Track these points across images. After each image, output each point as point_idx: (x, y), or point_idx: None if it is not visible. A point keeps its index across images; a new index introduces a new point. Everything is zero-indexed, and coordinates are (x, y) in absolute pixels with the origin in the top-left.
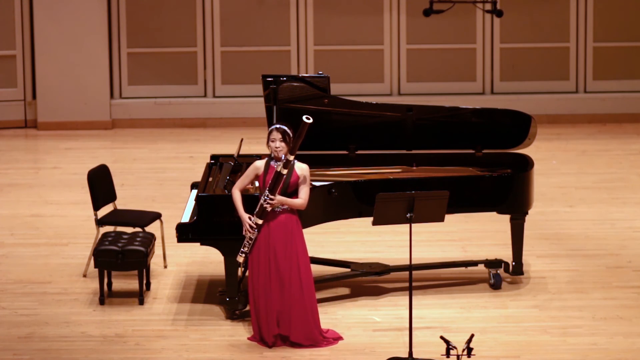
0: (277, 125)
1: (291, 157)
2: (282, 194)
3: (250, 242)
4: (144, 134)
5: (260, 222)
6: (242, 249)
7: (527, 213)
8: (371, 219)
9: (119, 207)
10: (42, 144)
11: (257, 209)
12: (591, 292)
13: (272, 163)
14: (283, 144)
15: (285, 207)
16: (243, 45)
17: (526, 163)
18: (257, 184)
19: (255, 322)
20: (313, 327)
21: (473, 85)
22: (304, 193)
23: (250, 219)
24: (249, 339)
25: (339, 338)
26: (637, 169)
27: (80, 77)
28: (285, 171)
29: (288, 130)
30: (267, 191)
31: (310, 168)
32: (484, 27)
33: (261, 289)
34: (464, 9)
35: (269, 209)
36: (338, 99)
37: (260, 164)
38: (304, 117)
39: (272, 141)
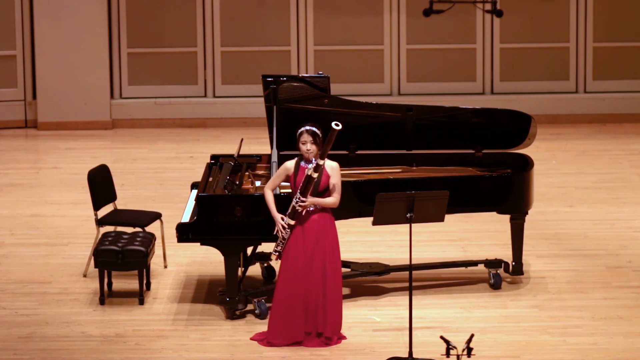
0: (307, 127)
1: (321, 162)
2: (314, 193)
3: (283, 241)
4: (144, 134)
5: (292, 222)
6: (275, 249)
7: (527, 213)
8: (371, 219)
9: (119, 207)
10: (42, 144)
11: (289, 210)
12: (591, 292)
13: (302, 164)
14: (314, 146)
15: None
16: (243, 45)
17: (526, 163)
18: (259, 183)
19: (278, 321)
20: (340, 324)
21: (473, 85)
22: (336, 192)
23: (282, 219)
24: (251, 338)
25: (343, 337)
26: (637, 169)
27: (80, 77)
28: (315, 175)
29: (318, 132)
30: (298, 193)
31: None
32: (484, 27)
33: (293, 287)
34: (464, 9)
35: (301, 210)
36: (338, 99)
37: (290, 165)
38: (333, 124)
39: (303, 144)
